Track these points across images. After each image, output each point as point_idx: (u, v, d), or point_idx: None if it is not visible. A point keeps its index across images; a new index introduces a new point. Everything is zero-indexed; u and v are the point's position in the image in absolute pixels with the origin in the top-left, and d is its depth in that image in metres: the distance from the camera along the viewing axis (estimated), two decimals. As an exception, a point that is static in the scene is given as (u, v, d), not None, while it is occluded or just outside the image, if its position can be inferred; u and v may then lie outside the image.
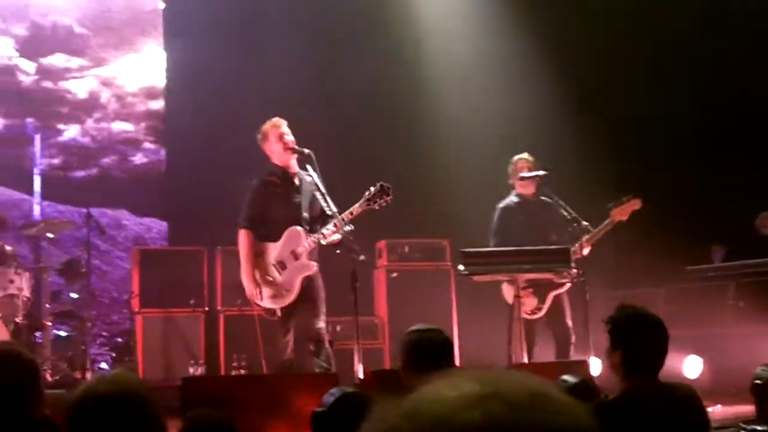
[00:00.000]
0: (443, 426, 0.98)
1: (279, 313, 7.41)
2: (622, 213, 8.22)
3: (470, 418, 0.98)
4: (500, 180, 8.96)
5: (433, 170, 11.36)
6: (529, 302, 8.34)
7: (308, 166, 7.48)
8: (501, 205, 8.71)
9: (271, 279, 7.42)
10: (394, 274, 10.31)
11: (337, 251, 7.34)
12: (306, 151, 7.50)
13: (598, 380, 6.21)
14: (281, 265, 7.43)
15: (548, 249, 7.89)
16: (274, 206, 7.54)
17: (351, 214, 7.22)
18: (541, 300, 8.40)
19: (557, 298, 8.43)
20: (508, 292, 8.28)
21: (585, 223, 8.15)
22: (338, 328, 9.35)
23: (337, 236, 7.26)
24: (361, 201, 7.27)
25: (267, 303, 7.45)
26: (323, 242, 7.34)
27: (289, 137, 7.54)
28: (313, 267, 7.40)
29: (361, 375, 6.80)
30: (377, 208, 7.26)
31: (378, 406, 1.06)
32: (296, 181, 7.62)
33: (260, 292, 7.39)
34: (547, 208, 8.49)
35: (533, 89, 11.19)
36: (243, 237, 7.53)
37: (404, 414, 1.01)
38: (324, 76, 11.55)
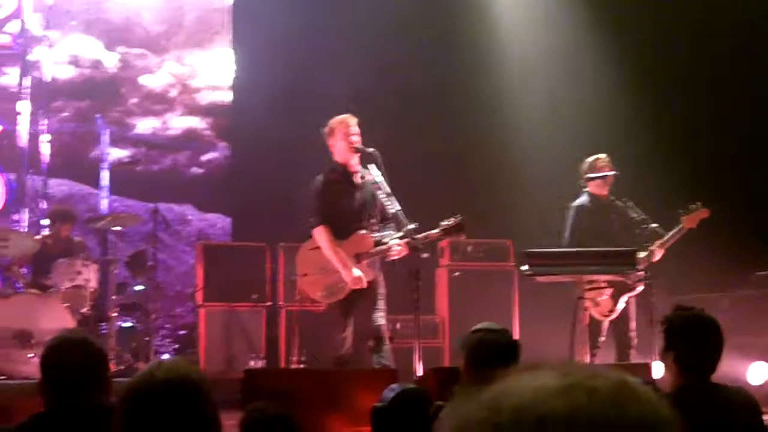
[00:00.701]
0: (526, 415, 0.97)
1: (334, 307, 7.42)
2: (691, 221, 8.16)
3: (553, 408, 0.98)
4: (566, 180, 8.90)
5: (498, 170, 11.30)
6: (606, 304, 8.26)
7: (372, 165, 7.46)
8: (575, 204, 8.63)
9: (324, 274, 7.43)
10: (457, 273, 10.28)
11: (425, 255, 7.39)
12: (370, 150, 7.48)
13: (660, 384, 6.14)
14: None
15: (614, 251, 7.81)
16: (336, 204, 7.53)
17: (426, 238, 7.21)
18: (616, 302, 8.31)
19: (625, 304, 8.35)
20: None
21: (654, 225, 8.05)
22: (398, 325, 9.35)
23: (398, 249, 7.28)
24: (438, 230, 7.29)
25: (318, 294, 7.47)
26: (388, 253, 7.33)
27: (356, 136, 7.52)
28: (370, 276, 7.36)
29: (420, 373, 6.79)
30: (448, 240, 7.28)
31: (457, 398, 1.06)
32: (357, 180, 7.60)
33: (354, 273, 7.32)
34: (618, 210, 8.45)
35: (605, 87, 11.08)
36: (321, 232, 7.44)
37: (487, 404, 1.01)
38: (392, 74, 11.54)
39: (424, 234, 7.19)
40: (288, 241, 9.57)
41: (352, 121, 7.56)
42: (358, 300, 7.40)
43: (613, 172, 8.41)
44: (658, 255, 8.15)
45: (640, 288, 8.18)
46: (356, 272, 7.29)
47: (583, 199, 8.62)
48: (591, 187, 8.57)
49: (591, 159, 8.59)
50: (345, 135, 7.49)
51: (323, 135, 7.63)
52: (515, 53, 11.73)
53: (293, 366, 8.93)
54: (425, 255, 7.08)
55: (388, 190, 7.27)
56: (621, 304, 8.30)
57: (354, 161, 7.58)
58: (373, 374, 6.69)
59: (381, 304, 7.42)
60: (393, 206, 7.18)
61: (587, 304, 8.00)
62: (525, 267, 7.58)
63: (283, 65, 11.46)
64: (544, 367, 1.04)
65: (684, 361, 3.86)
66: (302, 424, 3.56)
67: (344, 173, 7.59)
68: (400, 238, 7.24)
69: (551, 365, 1.04)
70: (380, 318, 7.38)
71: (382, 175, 7.35)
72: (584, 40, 11.36)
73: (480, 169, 11.28)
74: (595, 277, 7.85)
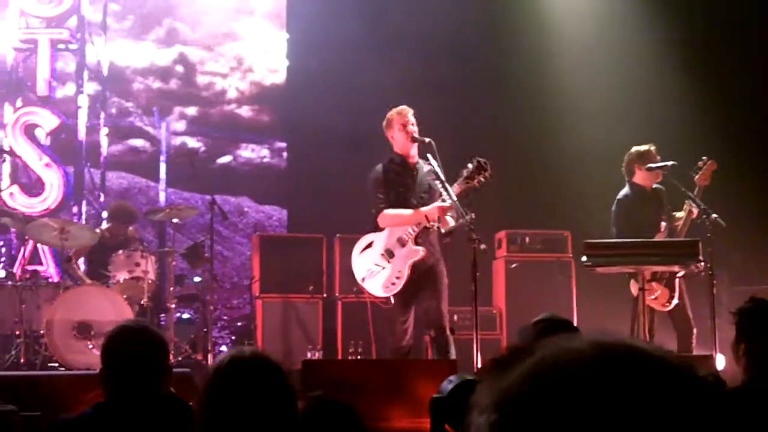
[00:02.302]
0: (561, 375, 0.98)
1: (393, 300, 7.41)
2: (704, 177, 8.02)
3: (580, 356, 0.99)
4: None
5: (556, 161, 11.21)
6: (663, 294, 8.15)
7: (428, 155, 7.44)
8: (619, 196, 8.51)
9: (381, 268, 7.43)
10: (514, 265, 10.22)
11: (446, 239, 7.33)
12: (427, 139, 7.47)
13: (723, 376, 6.04)
14: (389, 254, 7.43)
15: (676, 241, 7.70)
16: (395, 193, 7.54)
17: (455, 194, 7.14)
18: (672, 289, 8.19)
19: (680, 288, 8.23)
20: (634, 287, 8.09)
21: (715, 215, 7.89)
22: (456, 317, 9.30)
23: (451, 223, 7.24)
24: (459, 180, 7.19)
25: (379, 292, 7.46)
26: (430, 226, 7.28)
27: (413, 127, 7.51)
28: (419, 252, 7.36)
29: (479, 364, 6.75)
30: (477, 185, 7.17)
31: (490, 373, 1.05)
32: (414, 170, 7.60)
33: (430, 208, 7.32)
34: (661, 200, 8.38)
35: (667, 80, 10.94)
36: (384, 216, 7.48)
37: (522, 375, 1.00)
38: (447, 63, 11.50)
39: (451, 189, 7.10)
40: (344, 233, 9.58)
41: (409, 111, 7.56)
42: (419, 291, 7.38)
43: (671, 162, 8.28)
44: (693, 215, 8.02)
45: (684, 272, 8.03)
46: (431, 207, 7.29)
47: (626, 191, 8.50)
48: (638, 178, 8.45)
49: (642, 149, 8.44)
50: (402, 126, 7.51)
51: (383, 128, 7.64)
52: (573, 43, 11.62)
53: (350, 357, 8.94)
54: (482, 247, 7.02)
55: (443, 179, 7.24)
56: (677, 291, 8.18)
57: (413, 152, 7.58)
58: (433, 365, 6.68)
59: (442, 294, 7.39)
60: (450, 196, 7.14)
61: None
62: (584, 258, 7.49)
63: (337, 56, 11.45)
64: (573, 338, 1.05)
65: (755, 352, 3.78)
66: (361, 415, 3.54)
67: (402, 164, 7.60)
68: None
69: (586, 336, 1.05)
70: (441, 308, 7.35)
71: (439, 165, 7.33)
72: (648, 32, 11.21)
73: (538, 160, 11.19)
74: (656, 268, 7.74)
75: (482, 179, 7.18)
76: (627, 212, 8.40)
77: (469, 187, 7.19)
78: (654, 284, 7.92)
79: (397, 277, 7.37)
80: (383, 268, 7.43)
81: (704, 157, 8.09)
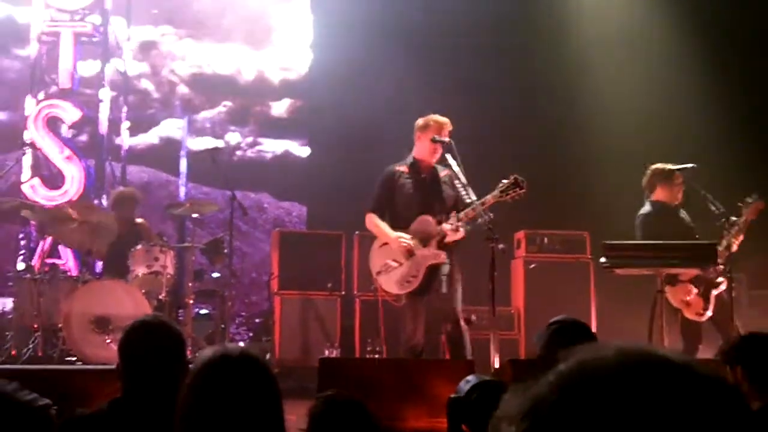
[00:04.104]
0: (591, 384, 0.98)
1: (405, 299, 7.40)
2: (751, 213, 8.07)
3: (606, 363, 1.00)
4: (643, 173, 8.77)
5: (575, 162, 11.17)
6: (696, 303, 8.10)
7: (448, 155, 7.41)
8: (641, 213, 8.46)
9: (396, 265, 7.42)
10: (533, 265, 10.19)
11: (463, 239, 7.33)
12: (446, 139, 7.44)
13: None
14: (409, 252, 7.41)
15: (694, 244, 7.66)
16: (401, 195, 7.53)
17: (483, 204, 7.10)
18: (707, 301, 8.14)
19: (720, 298, 8.16)
20: (673, 295, 8.03)
21: (734, 218, 7.88)
22: (474, 317, 9.27)
23: (465, 229, 7.22)
24: (494, 192, 7.14)
25: (393, 288, 7.46)
26: (452, 228, 7.25)
27: (444, 141, 7.45)
28: (442, 256, 7.35)
29: (497, 365, 6.73)
30: (510, 200, 7.13)
31: (518, 384, 1.05)
32: (429, 172, 7.58)
33: (397, 237, 7.39)
34: (680, 215, 8.42)
35: (690, 80, 10.87)
36: (369, 219, 7.63)
37: (551, 384, 1.01)
38: (468, 64, 11.47)
39: (481, 200, 7.08)
40: (364, 230, 9.57)
41: (447, 126, 7.53)
42: (432, 289, 7.36)
43: (691, 165, 8.25)
44: (735, 246, 8.00)
45: (725, 284, 8.01)
46: (400, 235, 7.37)
47: (647, 209, 8.46)
48: (660, 195, 8.43)
49: (666, 167, 8.42)
50: (435, 138, 7.46)
51: (415, 127, 7.60)
52: (594, 41, 11.56)
53: (368, 356, 8.93)
54: (501, 246, 6.99)
55: (465, 180, 7.20)
56: (712, 303, 8.12)
57: (433, 158, 7.56)
58: (450, 365, 6.65)
59: (457, 290, 7.39)
60: (469, 197, 7.11)
61: (678, 305, 7.96)
62: (603, 259, 7.45)
63: (358, 55, 11.44)
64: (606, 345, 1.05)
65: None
66: (376, 413, 3.53)
67: (415, 166, 7.59)
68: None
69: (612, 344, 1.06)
70: (455, 302, 7.35)
71: (459, 165, 7.30)
72: (666, 28, 11.15)
73: (557, 161, 11.15)
74: (675, 270, 7.71)
75: (516, 196, 7.14)
76: (650, 230, 8.31)
77: (501, 200, 7.15)
78: (692, 290, 7.90)
79: (414, 276, 7.36)
80: (400, 265, 7.41)
81: (755, 195, 8.10)
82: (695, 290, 8.09)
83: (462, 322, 7.30)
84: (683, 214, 8.46)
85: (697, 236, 8.15)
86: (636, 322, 8.34)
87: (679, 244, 7.58)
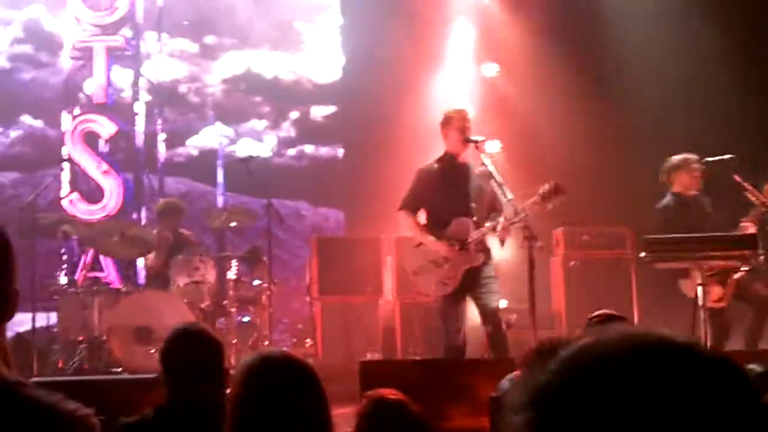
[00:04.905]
0: (593, 369, 0.97)
1: (444, 300, 7.39)
2: None
3: (615, 350, 0.99)
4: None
5: (615, 157, 11.08)
6: (715, 291, 8.06)
7: (483, 154, 7.39)
8: (660, 205, 8.54)
9: (435, 266, 7.39)
10: (573, 263, 10.12)
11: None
12: (480, 138, 7.41)
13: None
14: (446, 256, 7.38)
15: (735, 235, 7.60)
16: (436, 194, 7.48)
17: (523, 209, 7.03)
18: (724, 287, 8.11)
19: (744, 283, 8.12)
20: (685, 286, 8.04)
21: None
22: (514, 316, 9.24)
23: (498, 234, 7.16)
24: (534, 198, 7.04)
25: (431, 289, 7.46)
26: (493, 226, 7.19)
27: (470, 129, 7.44)
28: (479, 259, 7.32)
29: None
30: (550, 206, 7.05)
31: (524, 373, 1.05)
32: (464, 170, 7.52)
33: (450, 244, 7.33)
34: (701, 205, 8.47)
35: (727, 74, 10.77)
36: (401, 217, 7.58)
37: (554, 371, 1.00)
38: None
39: (522, 205, 7.01)
40: (401, 233, 9.57)
41: (468, 113, 7.49)
42: (471, 289, 7.34)
43: (728, 156, 8.21)
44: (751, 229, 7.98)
45: (744, 268, 7.96)
46: (444, 243, 7.30)
47: (666, 200, 8.54)
48: (678, 186, 8.50)
49: (680, 156, 8.51)
50: (459, 128, 7.41)
51: (439, 124, 7.57)
52: (631, 36, 11.47)
53: (410, 357, 8.93)
54: (539, 244, 6.95)
55: (500, 178, 7.16)
56: (729, 289, 8.10)
57: (464, 153, 7.52)
58: (491, 364, 6.63)
59: (495, 287, 7.35)
60: (505, 195, 7.06)
61: (695, 293, 7.89)
62: (643, 254, 7.42)
63: (392, 55, 11.45)
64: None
65: None
66: (417, 413, 3.54)
67: (450, 163, 7.54)
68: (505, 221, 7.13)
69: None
70: (495, 302, 7.32)
71: (493, 163, 7.27)
72: (703, 21, 11.05)
73: (597, 157, 11.07)
74: (716, 263, 7.65)
75: (557, 202, 7.05)
76: (669, 220, 8.38)
77: (541, 206, 7.05)
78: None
79: (451, 278, 7.33)
80: (438, 266, 7.38)
81: None
82: (712, 279, 8.01)
83: (503, 327, 7.26)
84: (703, 201, 8.47)
85: (711, 225, 8.12)
86: (679, 317, 8.27)
87: (720, 236, 7.53)
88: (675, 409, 0.93)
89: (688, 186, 8.46)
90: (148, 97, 12.03)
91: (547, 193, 6.98)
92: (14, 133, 11.96)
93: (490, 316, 7.27)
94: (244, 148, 12.08)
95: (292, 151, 12.38)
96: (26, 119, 11.96)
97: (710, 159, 8.24)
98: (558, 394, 0.97)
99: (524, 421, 0.99)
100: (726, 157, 8.20)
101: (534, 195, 7.02)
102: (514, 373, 4.23)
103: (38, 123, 11.97)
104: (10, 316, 1.85)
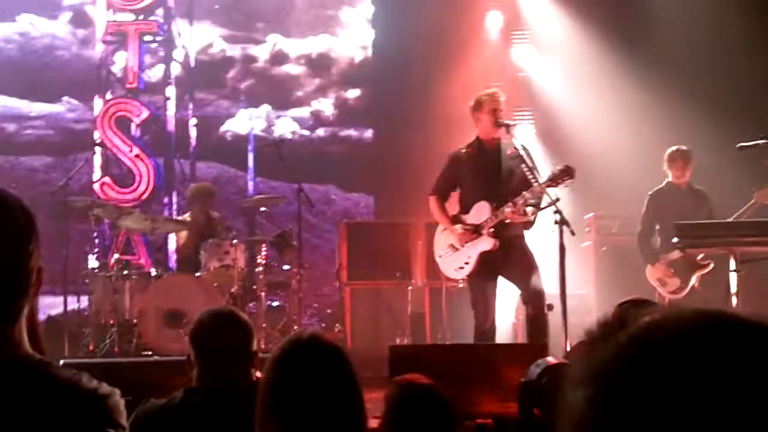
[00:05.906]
0: (668, 342, 0.93)
1: (471, 284, 7.39)
2: (764, 196, 8.10)
3: (691, 324, 0.95)
4: (714, 157, 8.66)
5: (649, 144, 10.94)
6: (672, 282, 8.49)
7: (515, 138, 7.35)
8: (651, 192, 8.88)
9: (452, 251, 7.40)
10: (604, 249, 10.08)
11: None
12: (512, 123, 7.38)
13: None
14: (461, 239, 7.37)
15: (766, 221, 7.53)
16: (467, 179, 7.46)
17: (532, 192, 6.99)
18: (684, 281, 8.44)
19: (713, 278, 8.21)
20: (650, 273, 8.64)
21: None
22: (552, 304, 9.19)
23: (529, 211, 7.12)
24: (544, 180, 7.02)
25: (452, 273, 7.53)
26: (510, 210, 7.14)
27: (502, 112, 7.40)
28: (492, 244, 7.25)
29: (568, 348, 6.67)
30: (559, 188, 7.01)
31: (584, 348, 1.00)
32: (495, 154, 7.44)
33: (457, 230, 7.36)
34: (698, 198, 8.67)
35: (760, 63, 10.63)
36: (431, 203, 7.60)
37: (621, 344, 0.95)
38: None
39: (530, 189, 6.98)
40: (431, 218, 9.54)
41: (500, 96, 7.44)
42: (502, 272, 7.30)
43: (763, 141, 8.13)
44: None
45: (711, 266, 8.23)
46: (458, 228, 7.33)
47: (658, 187, 8.84)
48: (671, 176, 8.78)
49: (670, 151, 8.80)
50: (492, 110, 7.34)
51: (470, 108, 7.51)
52: (665, 23, 11.34)
53: (439, 342, 8.92)
54: (570, 230, 6.91)
55: (531, 163, 7.12)
56: (691, 283, 8.36)
57: (497, 136, 7.45)
58: (521, 349, 6.61)
59: (534, 267, 7.25)
60: (536, 179, 7.02)
61: (654, 283, 8.56)
62: (675, 239, 7.37)
63: (421, 37, 11.40)
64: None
65: None
66: (447, 397, 3.52)
67: (480, 148, 7.48)
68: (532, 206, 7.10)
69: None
70: (536, 282, 7.21)
71: (525, 148, 7.23)
72: (743, 13, 10.89)
73: (625, 144, 10.97)
74: (748, 249, 7.58)
75: (565, 185, 7.02)
76: (655, 208, 8.75)
77: (551, 187, 7.02)
78: (669, 270, 8.47)
79: (466, 263, 7.33)
80: (455, 251, 7.39)
81: None
82: (672, 270, 8.50)
83: (546, 309, 7.18)
84: (692, 194, 8.67)
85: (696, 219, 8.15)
86: (709, 304, 8.20)
87: (752, 222, 7.46)
88: (759, 382, 0.90)
89: (675, 177, 8.74)
90: (179, 82, 12.06)
91: (557, 174, 6.96)
92: (48, 114, 12.00)
93: (531, 297, 7.20)
94: (275, 133, 12.09)
95: (322, 133, 12.36)
96: (57, 105, 12.00)
97: (744, 144, 8.14)
98: (628, 367, 0.93)
99: (587, 396, 0.95)
100: (761, 141, 8.11)
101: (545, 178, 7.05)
102: (545, 358, 4.21)
103: (70, 107, 12.02)
104: (34, 294, 1.84)
